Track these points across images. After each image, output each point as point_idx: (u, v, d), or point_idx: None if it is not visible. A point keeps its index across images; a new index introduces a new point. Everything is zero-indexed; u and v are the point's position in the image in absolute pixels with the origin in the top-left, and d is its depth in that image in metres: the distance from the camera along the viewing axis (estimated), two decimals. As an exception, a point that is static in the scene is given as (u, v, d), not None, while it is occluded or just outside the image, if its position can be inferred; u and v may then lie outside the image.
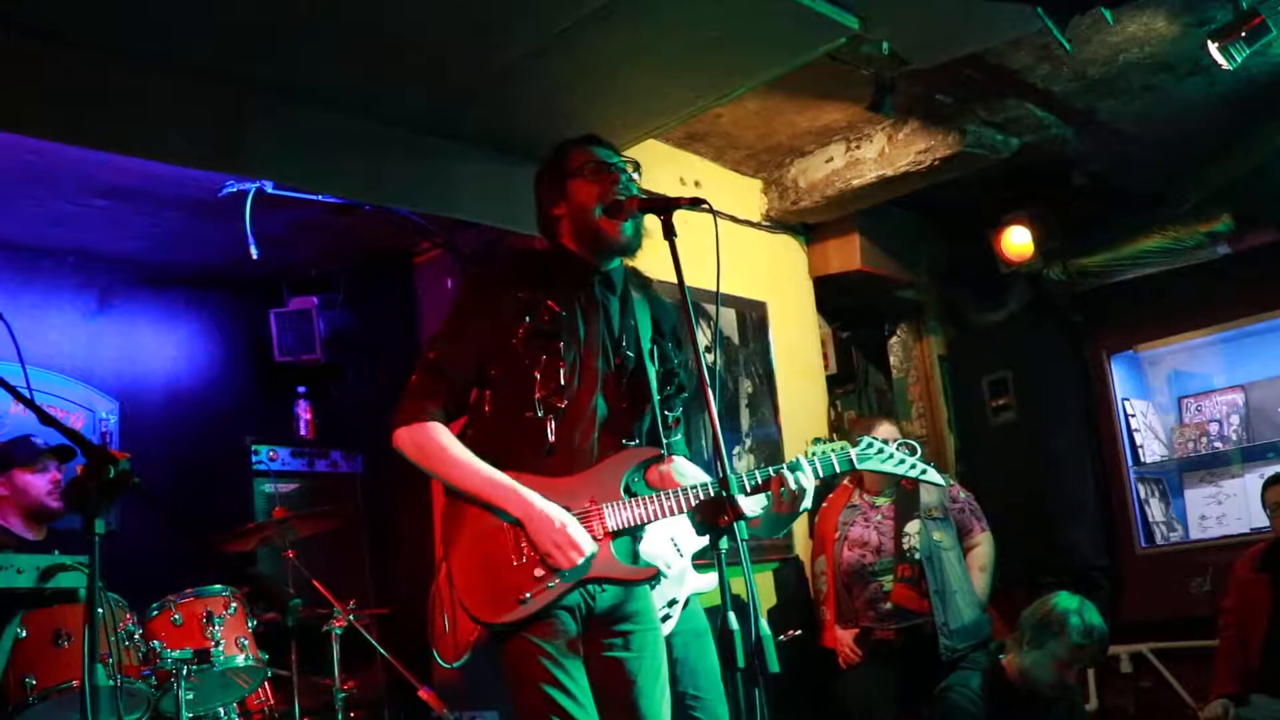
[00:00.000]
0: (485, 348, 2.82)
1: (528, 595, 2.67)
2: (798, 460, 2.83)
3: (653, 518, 2.79)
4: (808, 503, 2.80)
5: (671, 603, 3.90)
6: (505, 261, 3.06)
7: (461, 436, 2.82)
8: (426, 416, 2.78)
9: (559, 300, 2.85)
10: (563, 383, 2.79)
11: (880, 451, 3.00)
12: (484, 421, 2.83)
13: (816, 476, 2.82)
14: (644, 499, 2.79)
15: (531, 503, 2.71)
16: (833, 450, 2.96)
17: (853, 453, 2.96)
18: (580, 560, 2.68)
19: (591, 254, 2.91)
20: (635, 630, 2.86)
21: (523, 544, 2.70)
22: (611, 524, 2.77)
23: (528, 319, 2.81)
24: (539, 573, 2.68)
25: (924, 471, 3.08)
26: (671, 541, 3.97)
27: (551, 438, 2.79)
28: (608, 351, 2.91)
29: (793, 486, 2.74)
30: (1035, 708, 4.49)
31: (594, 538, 2.74)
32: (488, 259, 3.03)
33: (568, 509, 2.73)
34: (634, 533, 2.84)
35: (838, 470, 2.91)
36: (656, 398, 2.91)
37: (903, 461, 3.03)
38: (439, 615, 2.73)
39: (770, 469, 2.80)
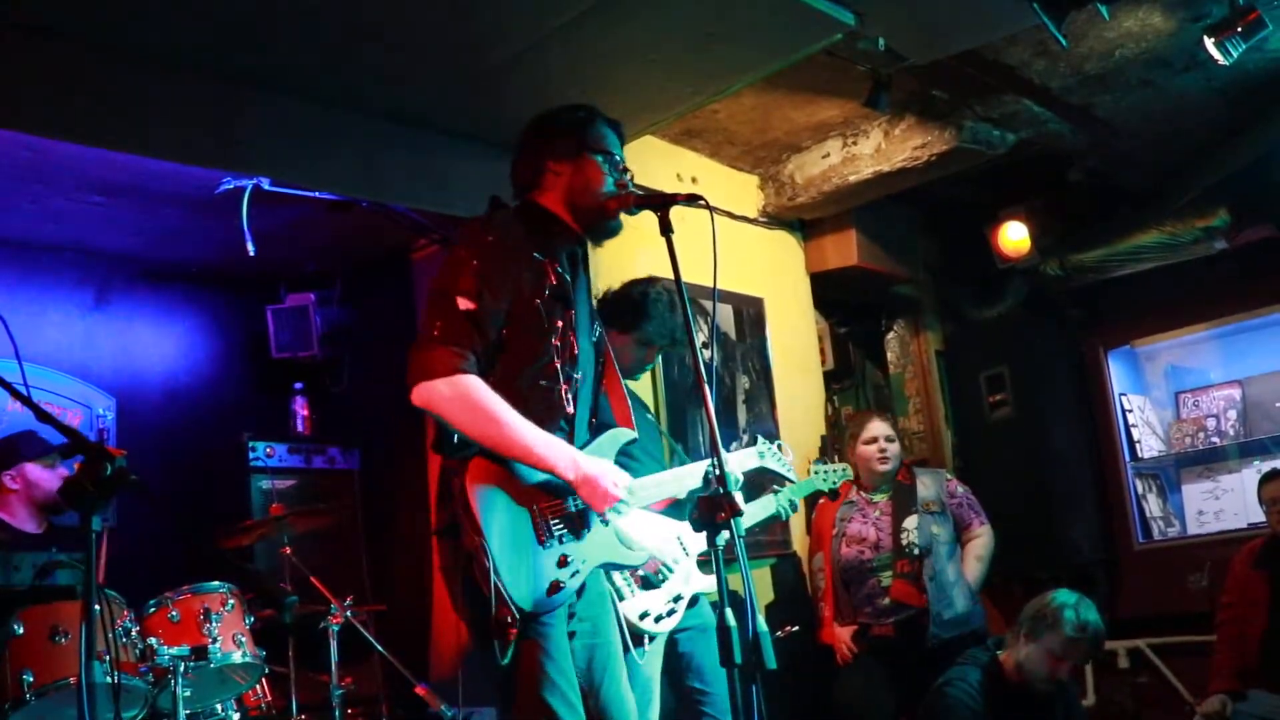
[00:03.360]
0: (512, 303, 2.70)
1: (563, 581, 2.63)
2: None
3: (654, 497, 2.81)
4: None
5: (676, 598, 3.92)
6: (514, 218, 2.87)
7: None
8: (467, 368, 2.60)
9: (559, 266, 2.81)
10: (576, 351, 2.78)
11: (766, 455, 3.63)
12: (490, 385, 2.65)
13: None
14: (644, 480, 2.81)
15: (584, 463, 2.67)
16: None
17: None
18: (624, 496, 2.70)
19: (580, 225, 2.89)
20: (600, 614, 2.86)
21: (551, 526, 2.66)
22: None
23: (544, 280, 2.75)
24: (568, 556, 2.66)
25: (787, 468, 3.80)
26: (678, 539, 3.99)
27: (570, 408, 2.76)
28: (591, 324, 2.92)
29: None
30: (1032, 704, 4.49)
31: (602, 520, 2.75)
32: (488, 217, 2.87)
33: None
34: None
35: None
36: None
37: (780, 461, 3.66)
38: (482, 604, 2.54)
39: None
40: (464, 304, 2.63)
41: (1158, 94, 5.43)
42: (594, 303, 3.00)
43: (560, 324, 2.74)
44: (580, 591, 2.75)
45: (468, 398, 2.57)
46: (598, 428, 2.92)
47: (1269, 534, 5.28)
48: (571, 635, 2.75)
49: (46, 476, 4.58)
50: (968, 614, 5.05)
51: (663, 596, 3.88)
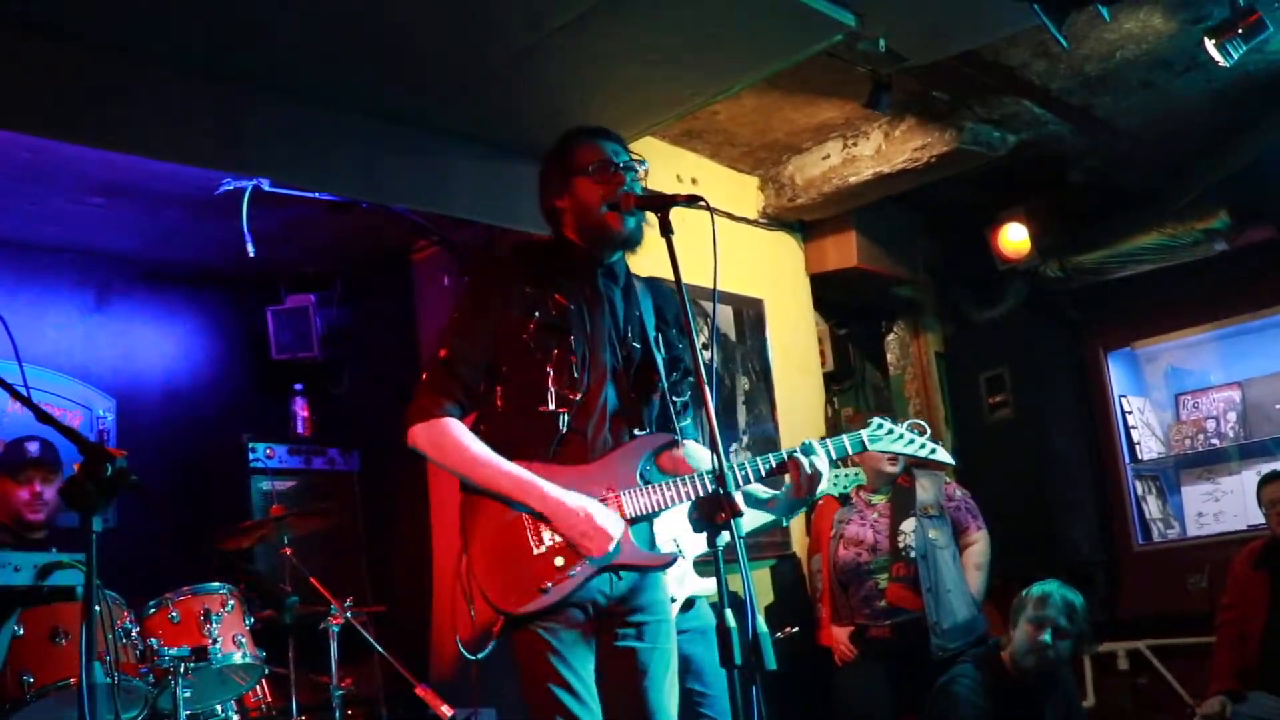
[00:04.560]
0: (496, 343, 2.83)
1: (549, 585, 2.68)
2: (809, 444, 2.86)
3: (670, 503, 2.82)
4: (825, 485, 2.88)
5: (670, 601, 3.89)
6: (510, 254, 3.06)
7: (474, 431, 2.83)
8: (441, 413, 2.78)
9: (565, 293, 2.87)
10: (574, 375, 2.81)
11: (890, 432, 3.08)
12: (497, 416, 2.84)
13: (829, 459, 2.87)
14: (660, 485, 2.82)
15: (552, 495, 2.72)
16: (845, 435, 3.02)
17: (864, 434, 3.03)
18: (611, 546, 2.70)
19: (594, 247, 2.92)
20: (649, 621, 2.87)
21: (543, 532, 2.71)
22: (630, 510, 2.79)
23: (537, 313, 2.83)
24: (560, 561, 2.69)
25: (933, 450, 3.17)
26: (674, 541, 3.97)
27: (564, 429, 2.80)
28: (614, 344, 2.93)
29: (808, 470, 2.81)
30: (1033, 699, 4.52)
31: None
32: (490, 253, 2.99)
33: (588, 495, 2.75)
34: (651, 519, 2.86)
35: (849, 451, 2.98)
36: (665, 385, 2.94)
37: (911, 441, 3.12)
38: (463, 605, 2.72)
39: (784, 453, 2.85)
40: (442, 353, 2.85)
41: (1158, 95, 5.42)
42: (638, 311, 3.01)
43: (557, 351, 2.81)
44: (613, 594, 2.78)
45: (440, 441, 2.79)
46: (635, 438, 2.93)
47: (1269, 535, 5.28)
48: (614, 638, 2.81)
49: (16, 493, 4.53)
50: (970, 622, 5.05)
51: None
